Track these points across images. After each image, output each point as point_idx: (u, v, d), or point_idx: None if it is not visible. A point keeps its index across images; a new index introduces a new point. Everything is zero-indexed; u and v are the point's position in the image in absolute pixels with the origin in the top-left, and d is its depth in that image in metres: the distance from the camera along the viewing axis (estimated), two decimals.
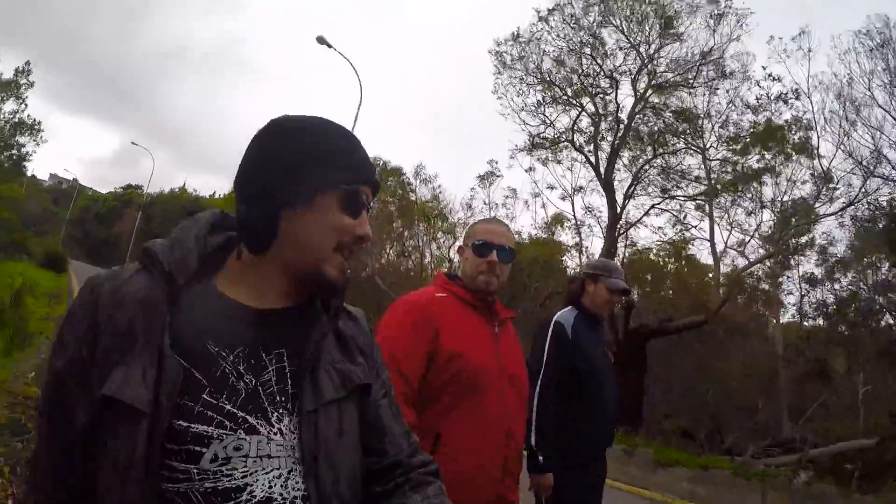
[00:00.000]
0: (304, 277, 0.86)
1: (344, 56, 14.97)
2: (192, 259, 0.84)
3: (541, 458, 2.33)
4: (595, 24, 13.86)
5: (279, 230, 0.84)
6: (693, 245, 15.14)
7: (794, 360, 15.03)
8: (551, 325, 2.56)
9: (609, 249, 13.37)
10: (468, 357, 1.66)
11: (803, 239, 13.92)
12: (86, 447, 0.76)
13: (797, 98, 12.92)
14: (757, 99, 13.49)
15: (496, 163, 16.89)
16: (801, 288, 15.89)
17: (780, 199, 13.55)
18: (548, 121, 14.70)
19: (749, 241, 13.76)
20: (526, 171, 15.59)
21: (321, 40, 14.11)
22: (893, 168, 11.53)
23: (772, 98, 13.29)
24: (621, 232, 14.13)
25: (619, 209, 13.80)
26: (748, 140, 13.89)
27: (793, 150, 13.35)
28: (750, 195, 13.94)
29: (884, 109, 11.40)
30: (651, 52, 13.73)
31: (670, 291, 17.48)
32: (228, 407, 0.77)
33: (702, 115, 13.96)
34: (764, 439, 11.71)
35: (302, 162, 0.85)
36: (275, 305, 0.86)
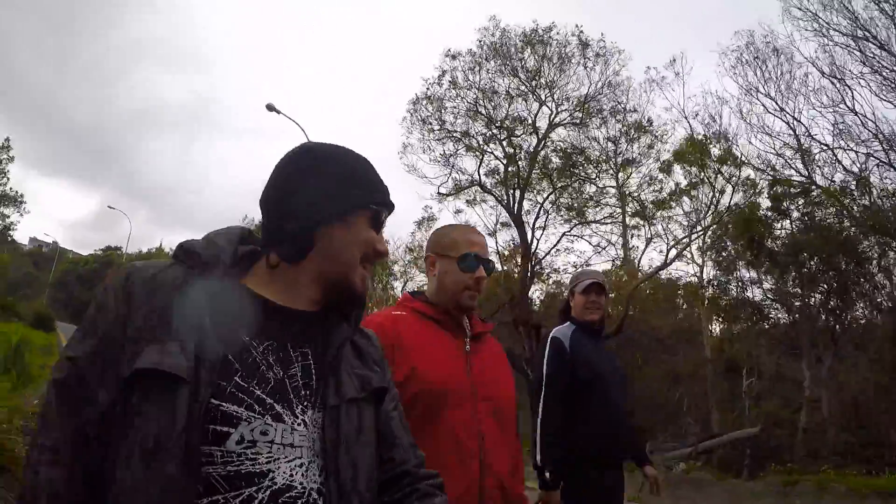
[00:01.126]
0: (334, 285, 0.94)
1: (292, 119, 16.54)
2: (226, 257, 0.89)
3: (547, 474, 2.30)
4: (490, 78, 15.72)
5: (315, 243, 0.93)
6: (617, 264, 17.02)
7: (716, 361, 16.51)
8: (548, 342, 2.60)
9: (523, 278, 15.12)
10: (429, 376, 1.50)
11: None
12: (103, 432, 0.77)
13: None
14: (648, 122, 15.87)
15: (430, 207, 17.71)
16: (737, 290, 16.61)
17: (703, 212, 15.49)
18: (451, 169, 16.13)
19: (670, 251, 15.61)
20: (454, 213, 16.68)
21: (270, 107, 15.70)
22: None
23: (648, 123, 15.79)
24: (536, 262, 15.91)
25: (529, 241, 15.49)
26: (671, 159, 15.92)
27: (717, 162, 14.76)
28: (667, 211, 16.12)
29: (774, 115, 12.75)
30: (544, 96, 15.68)
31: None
32: (258, 392, 0.80)
33: (603, 145, 16.21)
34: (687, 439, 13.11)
35: (340, 183, 0.95)
36: (298, 307, 0.93)
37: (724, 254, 16.52)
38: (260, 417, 0.79)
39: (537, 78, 15.53)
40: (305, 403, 0.85)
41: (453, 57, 15.59)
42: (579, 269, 3.64)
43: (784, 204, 14.29)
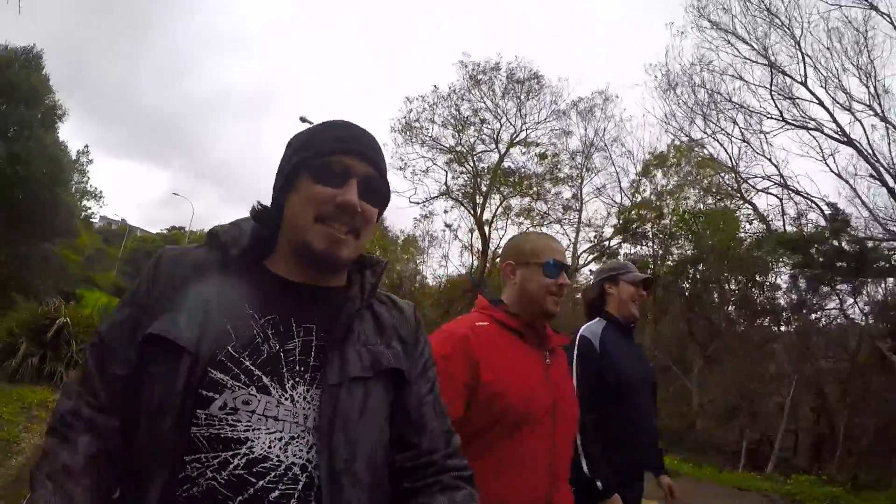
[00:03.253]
0: (299, 253, 0.92)
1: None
2: (245, 238, 0.93)
3: (599, 484, 2.09)
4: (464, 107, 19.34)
5: (283, 217, 0.95)
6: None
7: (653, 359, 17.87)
8: (576, 342, 2.36)
9: (481, 271, 18.05)
10: (515, 393, 1.49)
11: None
12: (130, 389, 0.84)
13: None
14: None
15: (429, 204, 21.08)
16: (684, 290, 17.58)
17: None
18: (423, 182, 20.87)
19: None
20: (444, 212, 20.33)
21: (303, 119, 18.41)
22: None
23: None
24: (494, 258, 18.83)
25: (488, 240, 18.80)
26: (654, 161, 17.83)
27: (699, 165, 16.95)
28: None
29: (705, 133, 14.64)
30: (503, 120, 19.35)
31: None
32: (247, 363, 0.82)
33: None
34: None
35: (293, 153, 0.96)
36: (310, 281, 0.94)
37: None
38: (244, 388, 0.80)
39: (500, 105, 18.95)
40: (297, 379, 0.83)
41: (410, 100, 19.38)
42: (615, 260, 3.26)
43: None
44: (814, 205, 12.28)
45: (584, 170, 19.23)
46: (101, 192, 30.35)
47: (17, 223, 12.29)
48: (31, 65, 13.85)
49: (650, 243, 17.86)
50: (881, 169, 10.65)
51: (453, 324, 1.66)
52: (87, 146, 31.21)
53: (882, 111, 10.74)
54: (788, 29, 11.96)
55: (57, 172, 13.16)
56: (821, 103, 11.53)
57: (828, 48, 11.47)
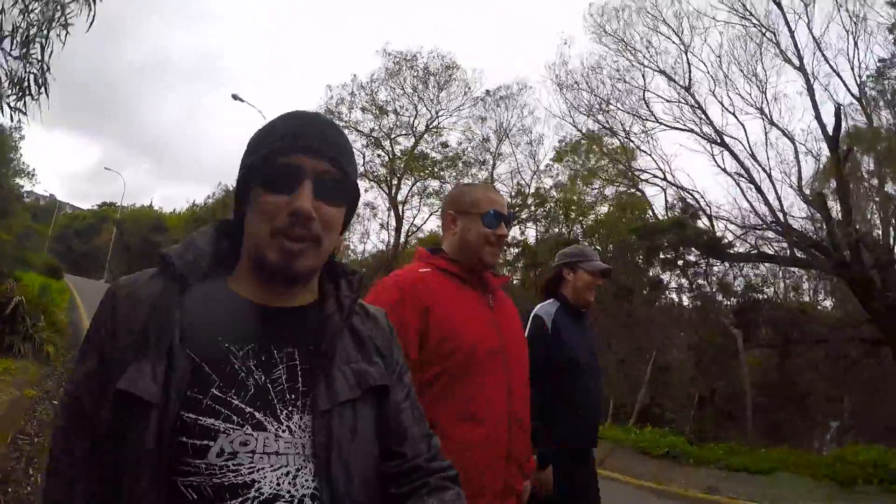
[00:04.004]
0: (257, 269, 0.87)
1: (256, 108, 20.99)
2: (205, 260, 0.86)
3: (534, 457, 2.09)
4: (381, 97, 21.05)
5: (244, 230, 0.88)
6: None
7: None
8: (530, 320, 2.47)
9: (395, 246, 20.17)
10: (463, 334, 1.54)
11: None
12: (109, 445, 0.78)
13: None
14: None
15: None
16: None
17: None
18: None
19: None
20: (364, 191, 21.63)
21: (235, 97, 19.73)
22: None
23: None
24: (408, 235, 21.09)
25: (402, 218, 20.90)
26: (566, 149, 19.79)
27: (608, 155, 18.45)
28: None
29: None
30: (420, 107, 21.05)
31: None
32: (236, 402, 0.78)
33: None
34: None
35: (242, 160, 0.88)
36: (285, 304, 0.88)
37: None
38: (239, 428, 0.77)
39: (417, 92, 20.68)
40: (291, 408, 0.81)
41: (331, 88, 21.16)
42: (582, 245, 3.31)
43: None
44: (690, 196, 14.14)
45: (497, 155, 21.07)
46: (34, 170, 29.86)
47: None
48: None
49: (535, 226, 19.87)
50: (749, 166, 12.36)
51: (395, 274, 1.69)
52: (20, 121, 30.13)
53: (770, 114, 12.30)
54: (679, 37, 13.68)
55: None
56: (699, 106, 13.24)
57: (718, 56, 13.19)
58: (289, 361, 0.84)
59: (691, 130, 13.49)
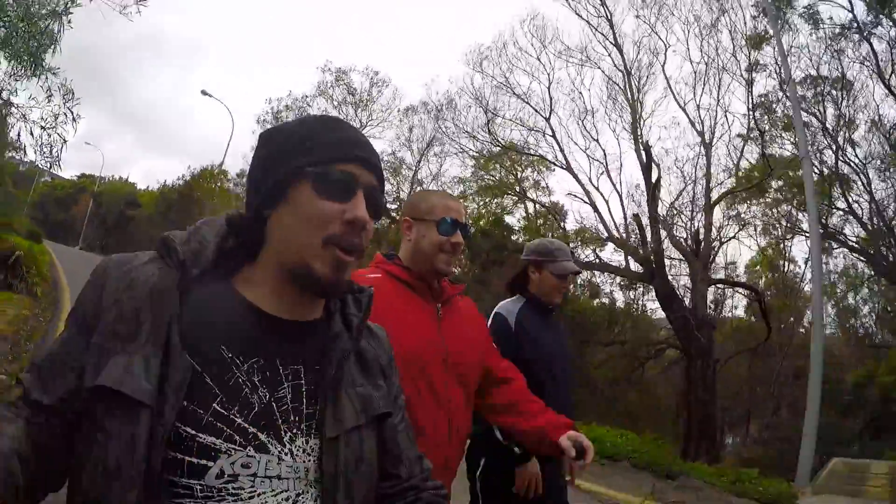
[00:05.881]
0: (297, 278, 0.80)
1: (223, 103, 23.23)
2: (209, 252, 0.79)
3: (516, 449, 2.15)
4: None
5: (267, 233, 0.82)
6: None
7: None
8: (491, 318, 2.38)
9: None
10: (404, 343, 1.42)
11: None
12: (68, 434, 0.71)
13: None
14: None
15: None
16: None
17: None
18: None
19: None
20: None
21: (204, 93, 22.11)
22: None
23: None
24: None
25: None
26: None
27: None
28: None
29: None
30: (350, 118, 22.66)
31: None
32: (239, 421, 0.73)
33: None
34: None
35: (273, 159, 0.82)
36: (293, 316, 0.82)
37: None
38: (241, 449, 0.72)
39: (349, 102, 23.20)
40: (295, 431, 0.77)
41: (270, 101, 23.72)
42: (549, 241, 2.58)
43: None
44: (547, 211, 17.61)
45: (422, 160, 22.65)
46: (23, 144, 31.99)
47: None
48: None
49: None
50: (590, 190, 15.70)
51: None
52: (10, 95, 32.31)
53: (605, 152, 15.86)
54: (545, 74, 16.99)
55: None
56: (553, 135, 16.52)
57: (579, 93, 16.73)
58: (294, 380, 0.79)
59: (532, 154, 16.95)
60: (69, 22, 7.83)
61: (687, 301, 13.96)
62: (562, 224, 16.90)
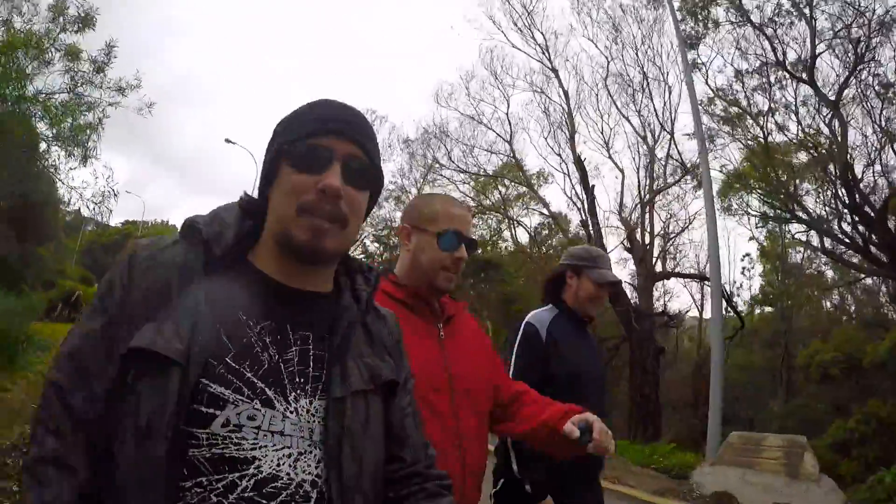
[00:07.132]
0: (283, 248, 0.86)
1: (247, 150, 25.46)
2: (230, 234, 0.85)
3: (528, 487, 2.00)
4: None
5: (268, 211, 0.89)
6: None
7: None
8: (521, 328, 2.21)
9: None
10: None
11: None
12: (109, 407, 0.75)
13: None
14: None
15: None
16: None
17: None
18: None
19: None
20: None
21: (228, 141, 24.19)
22: None
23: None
24: None
25: None
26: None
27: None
28: None
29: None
30: None
31: None
32: (249, 375, 0.77)
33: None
34: None
35: (268, 144, 0.89)
36: (303, 286, 0.88)
37: None
38: (248, 401, 0.75)
39: None
40: (299, 391, 0.80)
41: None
42: (592, 248, 2.46)
43: None
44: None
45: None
46: (71, 199, 34.93)
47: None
48: None
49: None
50: (549, 202, 18.03)
51: None
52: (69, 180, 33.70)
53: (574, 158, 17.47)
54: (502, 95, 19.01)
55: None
56: (513, 155, 18.48)
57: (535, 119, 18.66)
58: (302, 344, 0.83)
59: (512, 179, 19.41)
60: (105, 118, 11.21)
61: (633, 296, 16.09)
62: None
